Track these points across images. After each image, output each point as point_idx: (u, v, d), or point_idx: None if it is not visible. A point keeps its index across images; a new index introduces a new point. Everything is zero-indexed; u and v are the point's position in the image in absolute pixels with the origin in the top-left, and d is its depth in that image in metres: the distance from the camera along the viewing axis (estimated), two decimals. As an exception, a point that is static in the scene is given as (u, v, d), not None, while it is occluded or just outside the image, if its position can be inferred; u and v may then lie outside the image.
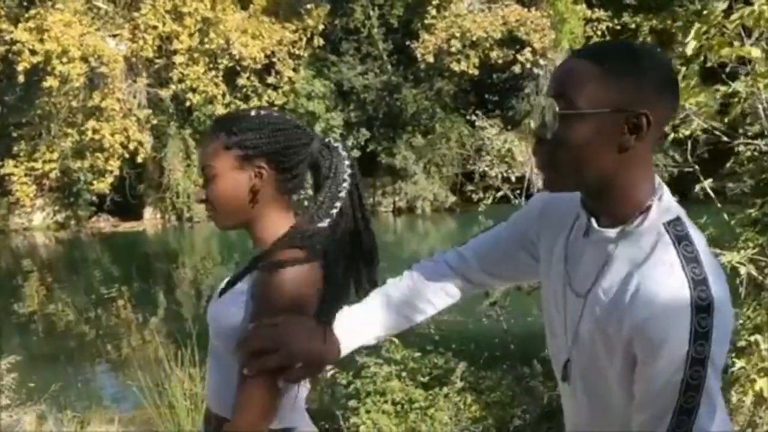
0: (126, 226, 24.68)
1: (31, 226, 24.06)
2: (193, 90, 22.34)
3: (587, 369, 1.37)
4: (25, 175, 21.81)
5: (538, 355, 5.17)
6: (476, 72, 22.44)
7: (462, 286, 1.65)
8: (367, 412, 4.36)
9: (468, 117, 24.87)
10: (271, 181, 1.57)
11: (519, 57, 22.39)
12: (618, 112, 1.22)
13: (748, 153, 3.70)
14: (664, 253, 1.24)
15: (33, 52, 19.84)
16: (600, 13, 24.30)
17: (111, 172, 21.56)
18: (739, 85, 3.17)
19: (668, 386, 1.21)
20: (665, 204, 1.28)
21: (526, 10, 22.66)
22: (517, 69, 22.60)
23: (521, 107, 26.57)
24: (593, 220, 1.31)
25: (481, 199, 24.96)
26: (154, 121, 23.15)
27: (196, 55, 22.43)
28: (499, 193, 5.22)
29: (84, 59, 20.06)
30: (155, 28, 21.38)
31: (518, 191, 5.09)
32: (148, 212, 25.69)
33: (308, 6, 24.35)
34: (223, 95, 23.18)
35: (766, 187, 3.14)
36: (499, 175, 26.90)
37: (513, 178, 26.17)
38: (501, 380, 4.76)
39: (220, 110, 23.27)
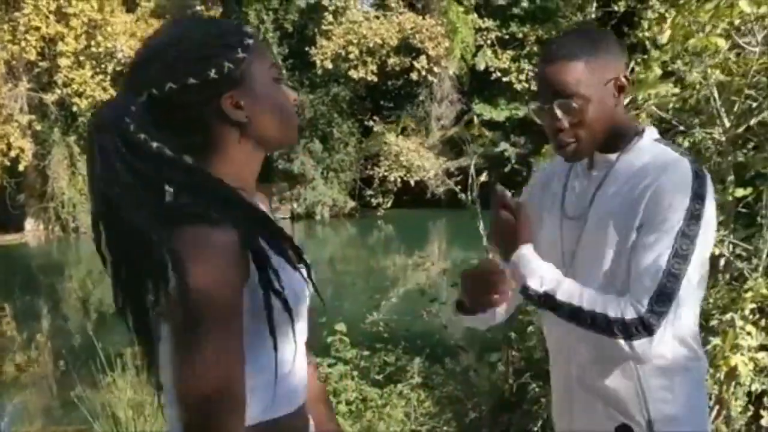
0: (6, 239, 23.25)
1: None
2: (79, 95, 21.32)
3: (590, 280, 1.62)
4: None
5: (481, 349, 5.23)
6: (375, 78, 22.62)
7: None
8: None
9: (366, 123, 25.13)
10: None
11: (416, 64, 22.72)
12: (608, 83, 1.61)
13: (687, 144, 3.85)
14: (661, 151, 1.62)
15: None
16: (489, 22, 25.05)
17: (-10, 181, 20.28)
18: (694, 76, 3.30)
19: (670, 231, 1.51)
20: (651, 130, 1.69)
21: (421, 17, 23.04)
22: (414, 76, 22.93)
23: (416, 113, 27.02)
24: (596, 153, 1.67)
25: (380, 203, 25.37)
26: (38, 127, 21.94)
27: (82, 58, 21.43)
28: (440, 189, 5.23)
29: (-41, 61, 18.79)
30: (38, 29, 20.26)
31: (459, 189, 5.09)
32: (29, 223, 24.32)
33: (199, 9, 23.81)
34: (112, 100, 22.18)
35: (724, 173, 3.29)
36: (398, 180, 27.22)
37: (412, 183, 26.44)
38: (449, 375, 4.77)
39: (108, 116, 22.21)
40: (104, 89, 21.83)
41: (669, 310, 1.49)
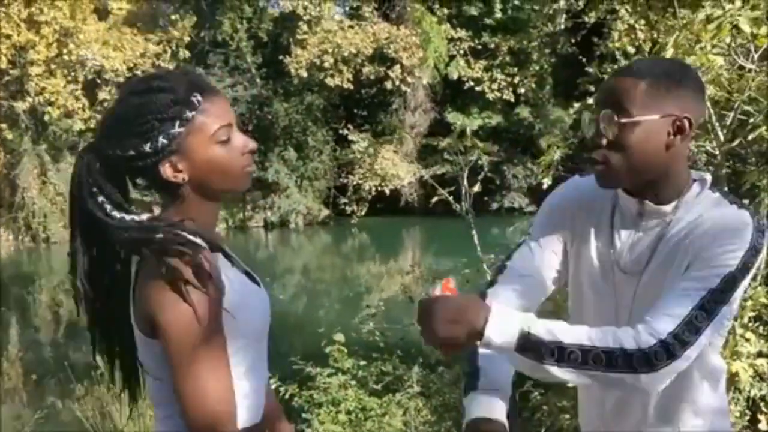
0: (-25, 250, 22.84)
1: None
2: (51, 103, 21.04)
3: None
4: None
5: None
6: (351, 87, 22.69)
7: None
8: (321, 423, 4.28)
9: (340, 131, 25.19)
10: None
11: (390, 73, 22.85)
12: (666, 117, 1.45)
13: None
14: (718, 201, 1.51)
15: None
16: (462, 33, 25.27)
17: (-41, 190, 19.90)
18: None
19: (718, 272, 1.41)
20: (706, 178, 1.55)
21: (395, 28, 23.18)
22: (388, 85, 23.04)
23: (389, 121, 27.14)
24: (647, 202, 1.53)
25: (354, 211, 25.33)
26: (8, 137, 21.61)
27: (53, 66, 21.17)
28: (433, 199, 5.29)
29: (-72, 69, 18.44)
30: (9, 37, 19.97)
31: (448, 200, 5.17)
32: (-1, 234, 23.94)
33: (173, 17, 23.70)
34: (83, 109, 22.01)
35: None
36: (373, 188, 27.24)
37: (387, 191, 26.37)
38: (446, 383, 4.83)
39: (80, 125, 22.13)
40: (76, 98, 21.58)
41: (693, 342, 1.37)
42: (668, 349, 1.35)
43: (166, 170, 1.40)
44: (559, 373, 1.38)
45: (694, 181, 1.54)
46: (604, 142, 1.47)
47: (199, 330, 1.31)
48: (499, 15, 26.44)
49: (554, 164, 4.35)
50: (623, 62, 4.66)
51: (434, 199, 5.25)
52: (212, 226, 1.50)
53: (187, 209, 1.43)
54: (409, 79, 23.84)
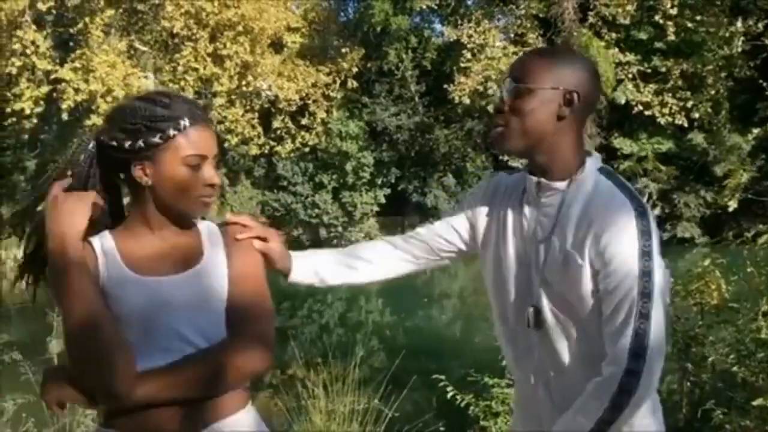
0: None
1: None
2: (230, 131, 22.62)
3: (558, 307, 1.70)
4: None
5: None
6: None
7: (407, 263, 2.00)
8: (500, 430, 4.35)
9: (500, 157, 25.13)
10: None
11: (554, 98, 22.62)
12: (555, 89, 1.65)
13: None
14: (605, 187, 1.67)
15: (77, 91, 20.24)
16: (630, 57, 24.53)
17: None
18: None
19: (628, 295, 1.56)
20: (594, 158, 1.73)
21: (560, 53, 22.96)
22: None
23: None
24: (543, 180, 1.71)
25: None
26: (193, 162, 23.43)
27: (233, 97, 22.77)
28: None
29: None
30: (196, 70, 21.74)
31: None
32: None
33: (343, 50, 24.79)
34: (258, 136, 23.48)
35: None
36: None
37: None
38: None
39: (255, 150, 23.62)
40: (252, 126, 23.08)
41: (647, 347, 1.55)
42: (631, 373, 1.53)
43: (136, 170, 1.60)
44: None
45: (584, 161, 1.70)
46: (506, 107, 1.68)
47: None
48: (672, 38, 25.49)
49: (740, 187, 4.23)
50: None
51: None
52: (164, 235, 1.65)
53: (143, 211, 1.64)
54: (572, 105, 23.44)
